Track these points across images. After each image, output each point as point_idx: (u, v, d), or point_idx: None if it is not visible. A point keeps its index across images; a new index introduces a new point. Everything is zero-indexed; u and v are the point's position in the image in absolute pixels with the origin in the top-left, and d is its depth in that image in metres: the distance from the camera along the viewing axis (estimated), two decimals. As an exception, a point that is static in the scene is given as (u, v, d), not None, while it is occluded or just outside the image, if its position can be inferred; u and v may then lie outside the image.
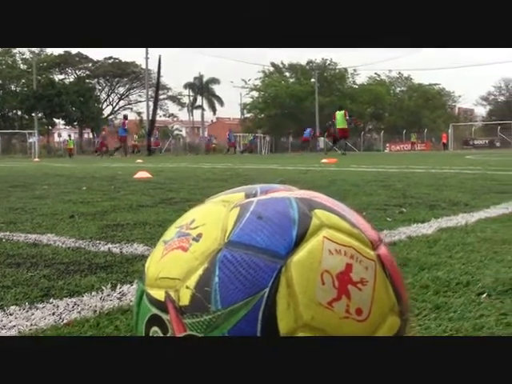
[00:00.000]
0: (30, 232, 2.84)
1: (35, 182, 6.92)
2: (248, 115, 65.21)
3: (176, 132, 65.06)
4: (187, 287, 0.74)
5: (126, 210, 3.78)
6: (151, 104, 43.41)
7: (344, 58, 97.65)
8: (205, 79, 67.27)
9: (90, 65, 61.45)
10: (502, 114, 63.19)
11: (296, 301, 0.71)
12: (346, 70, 62.03)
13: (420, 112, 61.91)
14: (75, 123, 55.83)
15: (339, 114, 23.33)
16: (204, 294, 0.73)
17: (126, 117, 32.49)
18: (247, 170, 10.48)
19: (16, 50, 55.27)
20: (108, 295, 1.67)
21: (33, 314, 1.49)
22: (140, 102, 63.25)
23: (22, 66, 56.70)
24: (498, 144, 47.05)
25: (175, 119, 71.40)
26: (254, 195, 0.83)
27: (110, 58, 60.77)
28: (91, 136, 59.68)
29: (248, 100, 62.26)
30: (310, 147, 38.10)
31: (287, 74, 63.29)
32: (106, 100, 63.64)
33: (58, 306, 1.55)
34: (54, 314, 1.49)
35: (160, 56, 40.59)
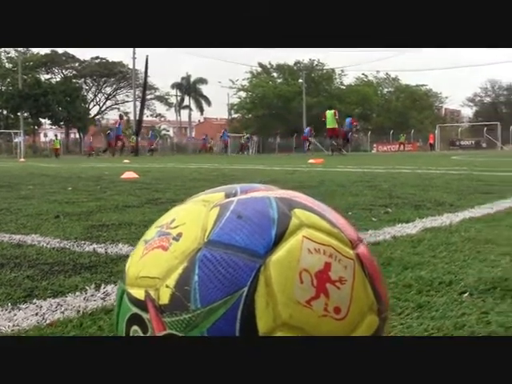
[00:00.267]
0: (14, 233, 2.82)
1: (20, 182, 6.88)
2: (235, 115, 65.21)
3: (163, 132, 64.96)
4: (167, 286, 0.75)
5: (112, 210, 3.77)
6: (138, 104, 43.31)
7: (331, 58, 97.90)
8: (192, 79, 67.21)
9: (77, 64, 61.14)
10: (488, 115, 63.75)
11: (275, 300, 0.71)
12: (333, 70, 62.24)
13: (407, 113, 62.25)
14: (61, 123, 55.48)
15: (329, 114, 23.42)
16: (183, 293, 0.73)
17: (121, 116, 32.37)
18: (234, 170, 10.48)
19: (1, 49, 54.87)
20: (92, 295, 1.66)
21: (15, 315, 1.48)
22: (127, 102, 63.10)
23: (7, 65, 56.27)
24: (484, 145, 47.36)
25: (162, 119, 71.29)
26: (234, 195, 0.84)
27: (97, 57, 60.52)
28: (78, 136, 59.36)
29: (235, 100, 62.29)
30: (308, 146, 38.11)
31: (275, 74, 63.33)
32: (92, 100, 63.37)
33: (41, 307, 1.55)
34: (36, 314, 1.49)
35: (147, 56, 40.56)
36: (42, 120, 55.65)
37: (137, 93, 46.36)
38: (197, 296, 0.72)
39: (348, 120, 27.09)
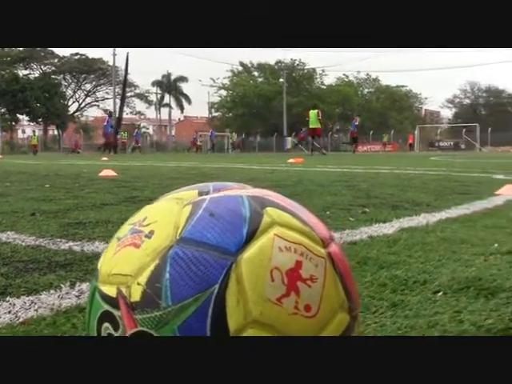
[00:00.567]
0: (-11, 230, 2.79)
1: (-3, 179, 6.80)
2: (216, 114, 65.16)
3: (143, 130, 64.67)
4: (138, 283, 0.75)
5: (89, 208, 3.74)
6: (118, 101, 43.09)
7: (312, 58, 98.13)
8: (173, 77, 66.99)
9: (56, 60, 60.56)
10: (467, 116, 64.49)
11: (245, 297, 0.72)
12: (314, 70, 62.46)
13: (387, 113, 62.68)
14: (40, 119, 54.94)
15: (312, 114, 23.42)
16: (155, 290, 0.73)
17: (110, 114, 31.98)
18: (213, 169, 10.46)
19: (-21, 44, 54.02)
20: (66, 293, 1.65)
21: (-12, 313, 1.46)
22: (107, 99, 62.64)
23: (-16, 61, 55.60)
24: (462, 146, 47.90)
25: (142, 117, 70.89)
26: (207, 193, 0.84)
27: (77, 54, 60.00)
28: (56, 133, 58.80)
29: (216, 99, 62.27)
30: (305, 144, 38.23)
31: (256, 73, 63.42)
32: (72, 96, 62.84)
33: (14, 305, 1.53)
34: (9, 312, 1.47)
35: (128, 53, 40.33)
36: (20, 116, 55.11)
37: (117, 90, 46.09)
38: (168, 293, 0.72)
39: (353, 123, 28.38)
